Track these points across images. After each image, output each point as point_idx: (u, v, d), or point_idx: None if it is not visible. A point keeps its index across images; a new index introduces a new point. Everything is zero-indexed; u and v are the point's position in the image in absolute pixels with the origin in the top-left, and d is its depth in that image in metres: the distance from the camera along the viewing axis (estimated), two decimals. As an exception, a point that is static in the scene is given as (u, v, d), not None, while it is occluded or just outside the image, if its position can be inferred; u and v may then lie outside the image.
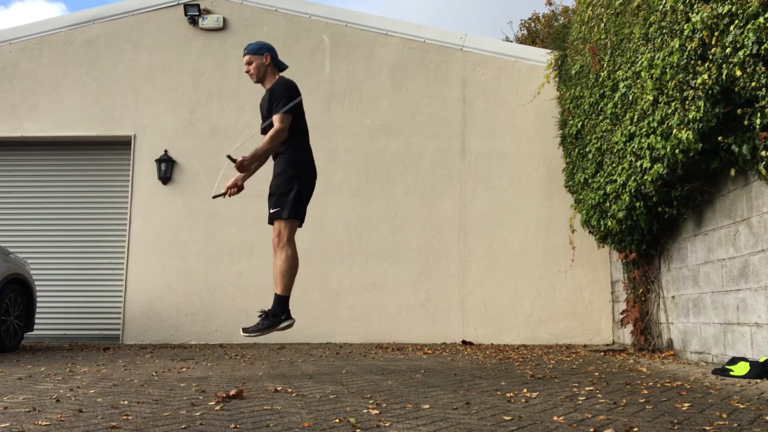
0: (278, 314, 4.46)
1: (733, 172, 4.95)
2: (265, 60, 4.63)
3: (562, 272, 8.30)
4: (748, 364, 4.43)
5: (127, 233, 8.60)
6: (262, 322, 4.45)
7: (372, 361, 5.64)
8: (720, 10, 4.32)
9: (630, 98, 5.92)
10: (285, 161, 4.52)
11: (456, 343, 8.00)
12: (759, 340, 4.73)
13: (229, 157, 4.39)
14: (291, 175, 4.47)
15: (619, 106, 6.18)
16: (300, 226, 4.60)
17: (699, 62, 4.69)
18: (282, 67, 4.74)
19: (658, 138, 5.29)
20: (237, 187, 4.72)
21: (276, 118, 4.43)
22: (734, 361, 4.59)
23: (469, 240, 8.43)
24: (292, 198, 4.44)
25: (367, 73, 8.82)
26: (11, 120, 8.87)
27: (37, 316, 7.71)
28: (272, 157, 4.62)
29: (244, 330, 4.46)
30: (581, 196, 7.38)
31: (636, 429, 2.60)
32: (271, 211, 4.47)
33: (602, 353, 6.63)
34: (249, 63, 4.64)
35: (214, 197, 4.85)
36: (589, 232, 7.43)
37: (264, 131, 4.62)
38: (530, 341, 8.19)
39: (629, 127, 5.88)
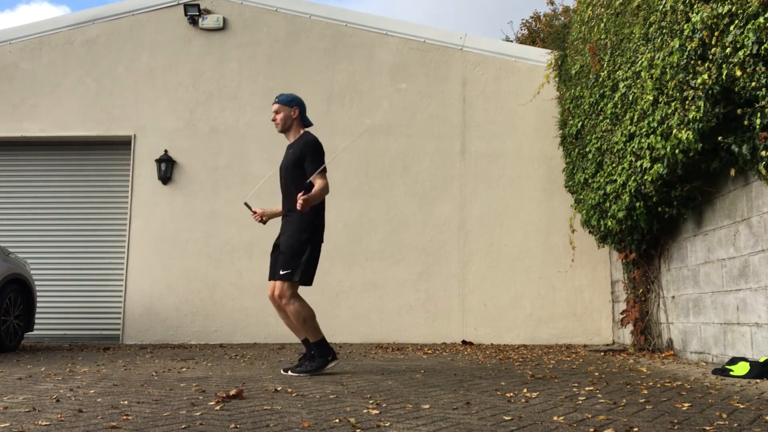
0: (324, 355, 4.53)
1: (733, 172, 4.95)
2: (293, 113, 4.71)
3: (562, 272, 8.30)
4: (748, 364, 4.43)
5: (127, 233, 8.60)
6: (310, 363, 4.51)
7: (372, 361, 5.64)
8: (720, 10, 4.32)
9: (630, 98, 5.92)
10: (298, 222, 4.53)
11: (456, 343, 8.00)
12: (759, 340, 4.73)
13: (246, 204, 4.72)
14: (304, 238, 4.49)
15: (619, 106, 6.18)
16: (309, 285, 4.61)
17: (699, 62, 4.69)
18: (308, 123, 4.80)
19: (658, 138, 5.29)
20: (263, 219, 4.83)
21: (318, 178, 4.48)
22: (734, 361, 4.59)
23: (469, 240, 8.43)
24: (305, 261, 4.48)
25: (367, 73, 8.82)
26: (11, 120, 8.87)
27: (37, 316, 7.72)
28: (283, 214, 4.68)
29: (292, 371, 4.52)
30: (581, 196, 7.38)
31: (636, 429, 2.60)
32: (282, 272, 4.47)
33: (602, 353, 6.63)
34: (277, 112, 4.72)
35: (245, 204, 4.89)
36: (589, 232, 7.43)
37: (287, 185, 4.64)
38: (530, 341, 8.19)
39: (629, 127, 5.88)
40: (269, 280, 4.65)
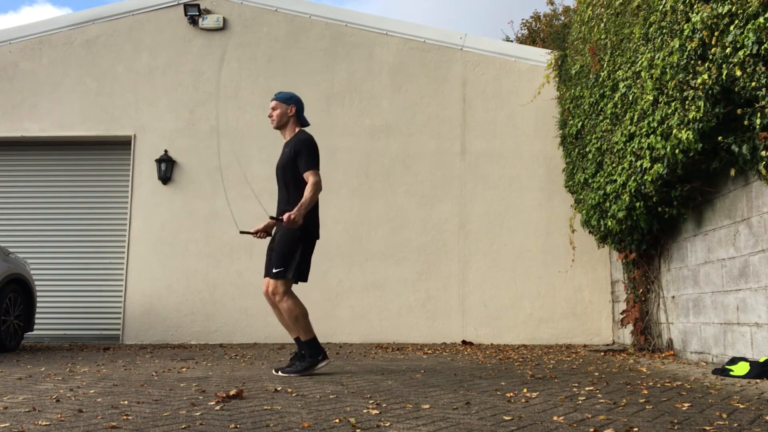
0: (315, 355, 4.53)
1: (733, 172, 4.95)
2: (290, 111, 4.73)
3: (562, 272, 8.30)
4: (748, 364, 4.43)
5: (127, 233, 8.60)
6: (300, 363, 4.51)
7: (372, 361, 5.64)
8: (720, 10, 4.32)
9: (630, 98, 5.92)
10: None
11: (456, 343, 8.00)
12: (759, 340, 4.73)
13: (242, 232, 4.81)
14: (297, 236, 4.49)
15: (619, 106, 6.18)
16: (304, 281, 4.62)
17: (699, 62, 4.69)
18: (304, 123, 4.81)
19: (658, 138, 5.29)
20: (266, 232, 4.78)
21: (309, 174, 4.51)
22: (734, 361, 4.59)
23: (469, 240, 8.43)
24: (298, 259, 4.48)
25: (367, 73, 8.81)
26: (11, 120, 8.87)
27: (37, 316, 7.72)
28: (277, 214, 4.66)
29: (283, 371, 4.51)
30: (581, 196, 7.38)
31: (636, 429, 2.60)
32: (275, 270, 4.48)
33: (602, 353, 6.63)
34: (274, 108, 4.74)
35: (241, 233, 4.91)
36: (589, 232, 7.43)
37: (281, 185, 4.65)
38: (530, 341, 8.18)
39: (629, 127, 5.88)
40: (264, 277, 4.66)
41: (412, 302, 8.34)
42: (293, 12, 8.96)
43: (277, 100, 4.75)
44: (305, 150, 4.56)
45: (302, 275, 4.56)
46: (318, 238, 4.66)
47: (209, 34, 8.95)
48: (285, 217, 4.36)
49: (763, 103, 4.10)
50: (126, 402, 3.27)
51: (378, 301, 8.35)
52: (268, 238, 4.77)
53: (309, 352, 4.53)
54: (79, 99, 8.87)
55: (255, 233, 4.74)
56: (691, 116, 4.80)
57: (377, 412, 2.97)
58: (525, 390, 3.71)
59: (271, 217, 4.60)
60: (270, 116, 4.76)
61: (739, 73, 4.19)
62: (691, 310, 5.85)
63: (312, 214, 4.59)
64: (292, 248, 4.48)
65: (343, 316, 8.29)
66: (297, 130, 4.75)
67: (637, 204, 5.96)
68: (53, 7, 62.95)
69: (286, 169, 4.62)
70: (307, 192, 4.47)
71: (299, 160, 4.55)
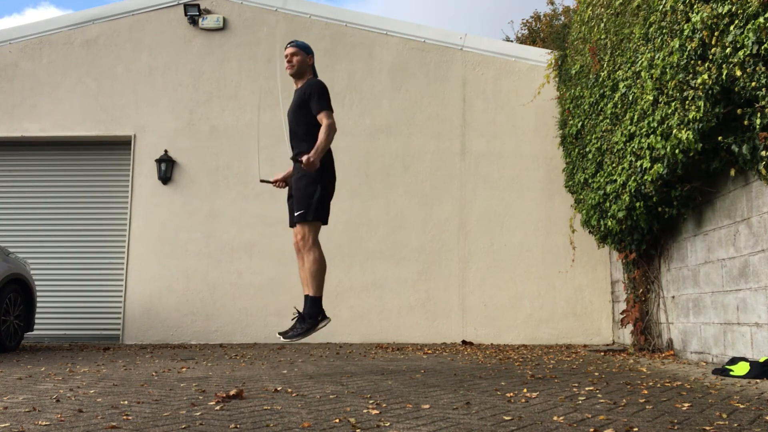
0: (314, 315, 4.53)
1: (733, 172, 4.95)
2: (309, 60, 4.73)
3: (562, 272, 8.30)
4: (748, 364, 4.43)
5: (127, 233, 8.60)
6: (300, 326, 4.51)
7: (372, 361, 5.64)
8: (720, 10, 4.32)
9: (630, 98, 5.92)
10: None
11: (456, 343, 8.00)
12: (759, 340, 4.73)
13: (262, 181, 4.73)
14: (313, 177, 4.49)
15: (619, 106, 6.18)
16: (325, 224, 4.62)
17: (699, 62, 4.69)
18: (316, 75, 4.81)
19: (658, 138, 5.29)
20: (285, 182, 4.80)
21: (322, 116, 4.50)
22: (734, 361, 4.59)
23: (469, 240, 8.43)
24: (316, 200, 4.48)
25: (367, 73, 8.81)
26: (11, 120, 8.87)
27: (37, 316, 7.71)
28: (292, 159, 4.65)
29: (283, 335, 4.51)
30: (581, 196, 7.38)
31: (636, 429, 2.60)
32: (296, 214, 4.50)
33: (602, 353, 6.63)
34: (294, 54, 4.68)
35: (261, 181, 4.89)
36: (589, 232, 7.43)
37: (294, 127, 4.63)
38: (530, 341, 8.18)
39: (629, 127, 5.88)
40: (290, 226, 4.65)
41: (412, 302, 8.34)
42: (293, 12, 8.96)
43: (296, 47, 4.70)
44: (317, 92, 4.54)
45: (323, 217, 4.54)
46: (335, 179, 4.64)
47: (209, 34, 8.95)
48: (304, 158, 4.31)
49: (763, 103, 4.10)
50: (126, 402, 3.27)
51: (378, 301, 8.35)
52: (286, 189, 4.77)
53: (310, 312, 4.51)
54: (79, 99, 8.87)
55: (274, 182, 4.77)
56: (691, 116, 4.80)
57: (377, 412, 2.97)
58: (525, 390, 3.71)
59: (262, 180, 4.60)
60: (290, 62, 4.67)
61: (739, 73, 4.19)
62: (691, 310, 5.85)
63: (327, 159, 4.58)
64: (310, 191, 4.48)
65: (343, 316, 8.29)
66: (310, 77, 4.73)
67: (637, 204, 5.96)
68: (56, 8, 63.08)
69: (296, 112, 4.61)
70: (322, 134, 4.45)
71: (311, 102, 4.54)
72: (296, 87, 4.77)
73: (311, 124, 4.55)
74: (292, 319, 4.69)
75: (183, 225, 8.56)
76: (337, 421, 2.75)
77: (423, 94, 8.74)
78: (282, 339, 4.54)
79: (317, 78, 4.73)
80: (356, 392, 3.62)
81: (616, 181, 6.22)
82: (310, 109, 4.56)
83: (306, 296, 4.59)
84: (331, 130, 4.47)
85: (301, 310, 4.59)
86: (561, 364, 5.43)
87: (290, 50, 4.70)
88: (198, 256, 8.50)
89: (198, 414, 2.92)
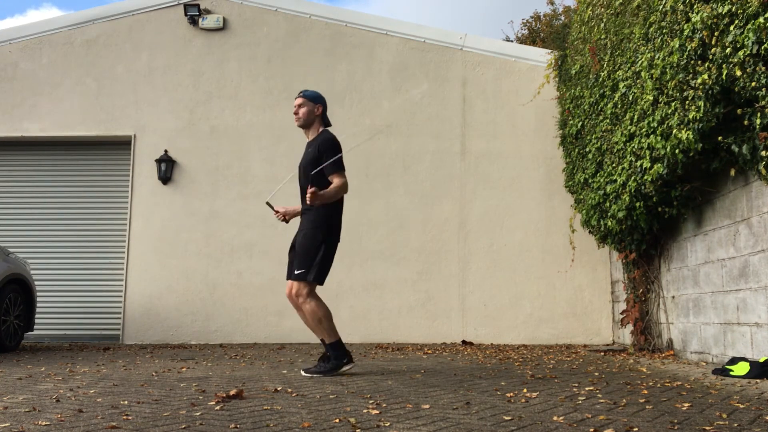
0: (339, 358, 4.49)
1: (733, 172, 4.95)
2: (317, 110, 4.69)
3: (562, 272, 8.30)
4: (748, 364, 4.43)
5: (127, 233, 8.61)
6: (324, 365, 4.49)
7: (372, 361, 5.64)
8: (720, 10, 4.32)
9: (630, 98, 5.92)
10: (314, 220, 4.50)
11: (456, 343, 8.00)
12: (759, 340, 4.73)
13: (268, 204, 4.67)
14: (319, 238, 4.46)
15: (619, 106, 6.18)
16: (321, 285, 4.56)
17: (699, 62, 4.69)
18: (327, 123, 4.78)
19: (658, 138, 5.29)
20: (286, 218, 4.77)
21: (334, 177, 4.47)
22: (734, 361, 4.59)
23: (469, 240, 8.43)
24: (318, 261, 4.45)
25: (367, 73, 8.81)
26: (11, 120, 8.87)
27: (37, 316, 7.72)
28: (301, 213, 4.65)
29: (308, 371, 4.50)
30: (581, 196, 7.38)
31: (636, 429, 2.60)
32: (297, 272, 4.46)
33: (602, 353, 6.63)
34: (300, 106, 4.68)
35: (267, 203, 4.84)
36: (589, 232, 7.43)
37: (304, 183, 4.59)
38: (530, 341, 8.18)
39: (629, 127, 5.88)
40: (287, 279, 4.63)
41: (412, 302, 8.34)
42: (293, 12, 8.96)
43: (304, 97, 4.69)
44: (331, 153, 4.51)
45: (322, 277, 4.51)
46: (339, 240, 4.63)
47: (209, 34, 8.95)
48: (309, 192, 4.24)
49: (763, 103, 4.10)
50: (126, 402, 3.27)
51: (378, 301, 8.35)
52: (285, 225, 4.74)
53: (333, 354, 4.49)
54: (79, 99, 8.87)
55: (276, 212, 4.74)
56: (691, 116, 4.80)
57: (377, 412, 2.97)
58: (525, 390, 3.71)
59: (268, 203, 4.60)
60: (296, 113, 4.69)
61: (739, 73, 4.19)
62: (691, 310, 5.85)
63: (336, 215, 4.56)
64: (313, 250, 4.45)
65: (343, 316, 8.29)
66: (321, 129, 4.71)
67: (637, 204, 5.96)
68: (58, 9, 63.13)
69: (307, 168, 4.57)
70: (332, 186, 4.43)
71: (323, 161, 4.50)
72: (307, 138, 4.74)
73: (323, 181, 4.50)
74: (319, 359, 4.67)
75: (183, 225, 8.56)
76: (337, 421, 2.75)
77: (423, 94, 8.74)
78: (305, 374, 4.51)
79: (328, 131, 4.69)
80: (356, 392, 3.62)
81: (616, 181, 6.22)
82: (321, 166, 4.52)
83: (322, 340, 4.56)
84: (342, 189, 4.46)
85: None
86: (561, 364, 5.43)
87: (297, 101, 4.70)
88: (198, 256, 8.50)
89: (198, 414, 2.92)
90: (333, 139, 4.60)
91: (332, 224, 4.53)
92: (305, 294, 4.45)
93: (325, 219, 4.49)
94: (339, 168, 4.49)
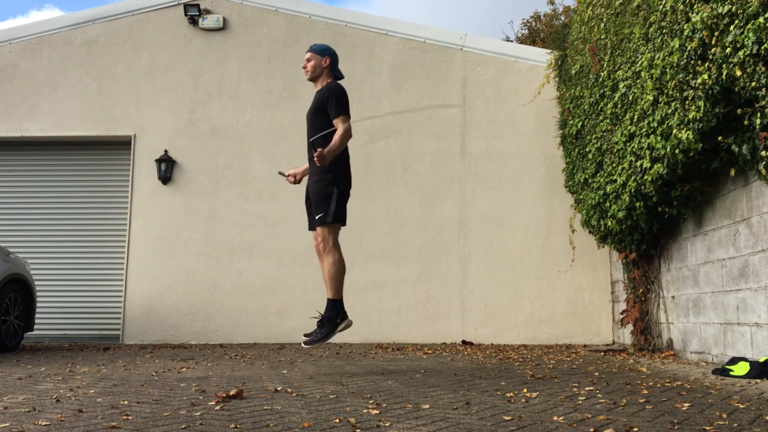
0: (332, 319, 4.58)
1: (733, 172, 4.95)
2: (324, 62, 4.77)
3: (562, 272, 8.30)
4: (748, 364, 4.43)
5: (127, 233, 8.60)
6: (321, 330, 4.56)
7: (372, 361, 5.64)
8: (720, 10, 4.32)
9: (630, 98, 5.92)
10: (321, 165, 4.54)
11: (456, 343, 8.00)
12: (759, 340, 4.73)
13: (280, 173, 4.93)
14: (330, 178, 4.53)
15: (619, 106, 6.18)
16: (344, 225, 4.66)
17: (699, 62, 4.69)
18: (339, 76, 4.85)
19: (658, 138, 5.29)
20: (297, 179, 4.92)
21: (338, 121, 4.56)
22: (734, 361, 4.59)
23: (469, 240, 8.43)
24: (335, 201, 4.52)
25: (367, 73, 8.81)
26: (11, 120, 8.87)
27: (37, 316, 7.71)
28: (309, 161, 4.72)
29: (306, 342, 4.57)
30: (581, 196, 7.38)
31: (636, 429, 2.60)
32: (316, 217, 4.54)
33: (602, 353, 6.63)
34: (308, 60, 4.77)
35: (279, 173, 5.02)
36: (589, 232, 7.43)
37: (311, 131, 4.68)
38: (530, 341, 8.18)
39: (629, 127, 5.88)
40: (309, 229, 4.72)
41: (412, 302, 8.34)
42: (293, 12, 8.96)
43: (312, 51, 4.78)
44: (334, 96, 4.59)
45: (341, 216, 4.58)
46: (350, 186, 4.68)
47: (209, 34, 8.95)
48: (316, 156, 4.32)
49: (763, 103, 4.10)
50: (126, 402, 3.27)
51: (378, 301, 8.35)
52: (297, 185, 4.89)
53: (329, 315, 4.57)
54: (79, 99, 8.87)
55: (288, 176, 4.89)
56: (691, 116, 4.80)
57: (377, 412, 2.97)
58: (525, 390, 3.71)
59: (279, 173, 4.79)
60: (304, 67, 4.78)
61: (739, 73, 4.19)
62: (691, 310, 5.85)
63: (343, 161, 4.62)
64: (327, 192, 4.52)
65: (343, 316, 8.28)
66: (329, 80, 4.77)
67: (637, 204, 5.95)
68: (60, 10, 63.21)
69: (314, 116, 4.66)
70: (337, 136, 4.50)
71: (329, 107, 4.58)
72: (316, 89, 4.81)
73: (327, 128, 4.58)
74: (317, 323, 4.72)
75: (183, 225, 8.56)
76: (337, 421, 2.75)
77: (423, 94, 8.74)
78: (305, 345, 4.60)
79: (337, 81, 4.77)
80: (356, 392, 3.62)
81: (616, 181, 6.22)
82: (327, 113, 4.60)
83: (328, 299, 4.63)
84: (346, 134, 4.52)
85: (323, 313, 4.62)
86: (561, 364, 5.43)
87: (306, 56, 4.80)
88: (198, 256, 8.50)
89: (198, 414, 2.92)
90: (338, 86, 4.67)
91: (340, 163, 4.59)
92: (331, 243, 4.56)
93: (333, 162, 4.53)
94: (343, 111, 4.57)
